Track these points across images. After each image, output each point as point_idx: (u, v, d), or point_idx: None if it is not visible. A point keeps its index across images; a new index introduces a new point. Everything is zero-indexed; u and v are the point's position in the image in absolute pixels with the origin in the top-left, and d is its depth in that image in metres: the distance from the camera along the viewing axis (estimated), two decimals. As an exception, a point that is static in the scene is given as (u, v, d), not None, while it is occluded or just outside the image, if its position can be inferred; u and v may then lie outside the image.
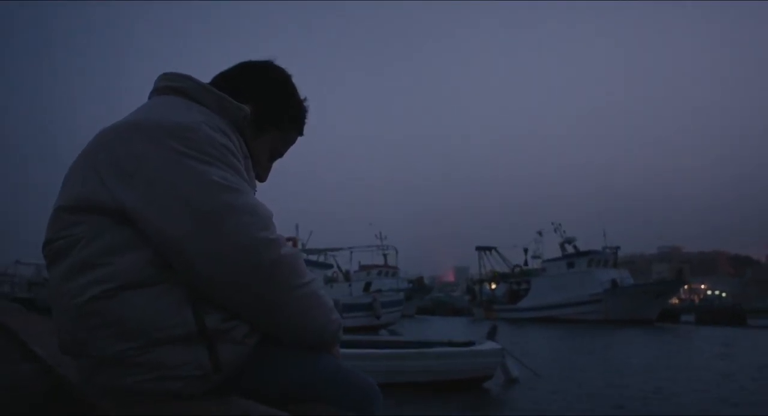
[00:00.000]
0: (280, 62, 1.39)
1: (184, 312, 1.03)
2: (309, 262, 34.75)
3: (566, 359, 15.76)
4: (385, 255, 49.77)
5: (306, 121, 1.40)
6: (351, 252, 47.70)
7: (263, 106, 1.30)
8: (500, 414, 8.12)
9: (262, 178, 1.36)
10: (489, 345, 11.51)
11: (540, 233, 52.96)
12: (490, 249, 54.97)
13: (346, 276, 47.39)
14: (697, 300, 65.27)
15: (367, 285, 43.54)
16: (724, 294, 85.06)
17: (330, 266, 43.86)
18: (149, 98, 1.25)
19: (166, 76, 1.25)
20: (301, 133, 1.41)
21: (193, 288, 1.05)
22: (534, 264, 52.04)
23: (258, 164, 1.32)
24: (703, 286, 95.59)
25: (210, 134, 1.07)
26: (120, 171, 1.04)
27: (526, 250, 53.70)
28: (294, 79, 1.39)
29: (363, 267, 50.07)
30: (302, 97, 1.39)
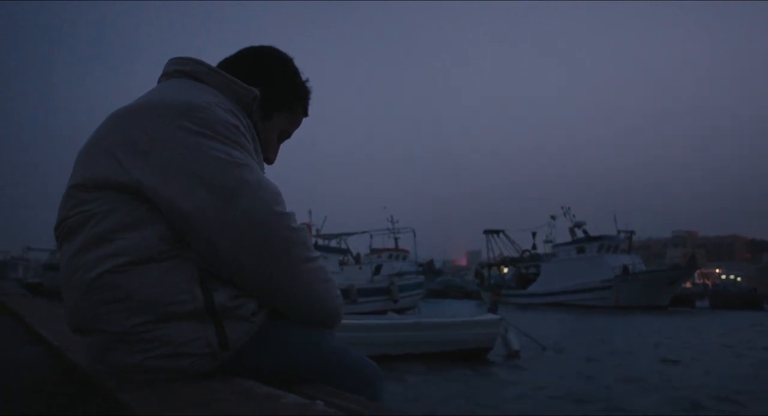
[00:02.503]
0: (291, 52, 1.41)
1: (193, 288, 1.05)
2: (324, 248, 34.49)
3: (570, 340, 15.92)
4: (396, 239, 49.68)
5: (310, 101, 1.43)
6: (371, 236, 47.64)
7: (269, 89, 1.32)
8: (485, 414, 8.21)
9: (271, 161, 1.39)
10: (488, 316, 11.61)
11: (553, 217, 52.14)
12: (498, 232, 53.95)
13: (357, 259, 47.43)
14: (710, 285, 64.62)
15: (378, 268, 43.47)
16: (739, 279, 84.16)
17: (345, 251, 43.59)
18: (158, 83, 1.27)
19: (175, 61, 1.26)
20: (306, 114, 1.43)
21: (203, 264, 1.07)
22: (546, 249, 51.65)
23: (267, 147, 1.35)
24: (717, 271, 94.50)
25: (221, 114, 1.09)
26: (135, 149, 1.05)
27: (534, 234, 52.93)
28: (296, 62, 1.41)
29: (373, 251, 49.59)
30: (305, 78, 1.42)
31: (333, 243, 41.43)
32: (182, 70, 1.23)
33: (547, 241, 52.08)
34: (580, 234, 45.87)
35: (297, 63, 1.42)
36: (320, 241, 37.60)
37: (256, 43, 1.42)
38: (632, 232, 46.12)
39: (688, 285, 59.61)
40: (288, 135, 1.42)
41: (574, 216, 48.08)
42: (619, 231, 45.45)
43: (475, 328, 11.36)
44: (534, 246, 52.52)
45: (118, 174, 1.06)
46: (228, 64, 1.35)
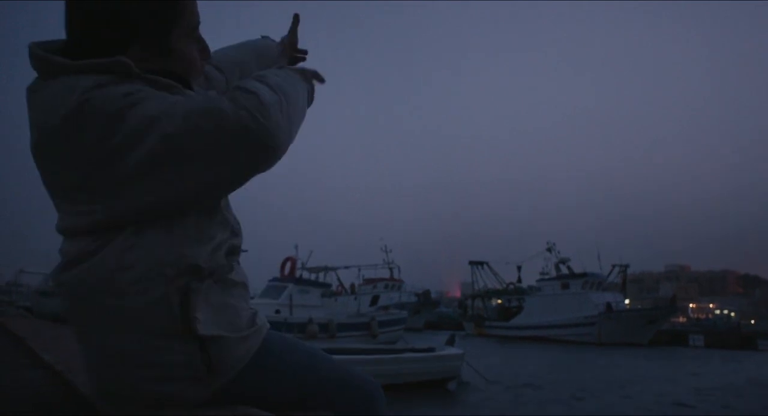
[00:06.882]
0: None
1: (171, 307, 1.01)
2: (307, 282, 34.85)
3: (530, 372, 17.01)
4: (391, 269, 49.79)
5: None
6: (359, 270, 47.64)
7: (142, 35, 1.07)
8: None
9: (206, 53, 1.21)
10: (451, 350, 13.90)
11: (549, 249, 51.16)
12: (482, 264, 54.00)
13: (353, 289, 47.47)
14: (700, 319, 64.46)
15: (375, 299, 43.32)
16: (733, 314, 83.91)
17: (328, 286, 43.34)
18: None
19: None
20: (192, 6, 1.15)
21: (180, 282, 1.01)
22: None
23: (194, 64, 1.17)
24: (711, 305, 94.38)
25: (109, 92, 0.97)
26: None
27: (519, 268, 52.90)
28: None
29: (367, 281, 49.43)
30: None
31: (321, 276, 41.45)
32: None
33: (543, 273, 51.06)
34: (564, 270, 46.20)
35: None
36: (306, 274, 37.93)
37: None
38: (626, 266, 46.15)
39: (682, 319, 59.57)
40: (197, 21, 1.16)
41: (558, 252, 48.41)
42: (613, 266, 45.69)
43: (442, 361, 13.55)
44: (519, 280, 52.57)
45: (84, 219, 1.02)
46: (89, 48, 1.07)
